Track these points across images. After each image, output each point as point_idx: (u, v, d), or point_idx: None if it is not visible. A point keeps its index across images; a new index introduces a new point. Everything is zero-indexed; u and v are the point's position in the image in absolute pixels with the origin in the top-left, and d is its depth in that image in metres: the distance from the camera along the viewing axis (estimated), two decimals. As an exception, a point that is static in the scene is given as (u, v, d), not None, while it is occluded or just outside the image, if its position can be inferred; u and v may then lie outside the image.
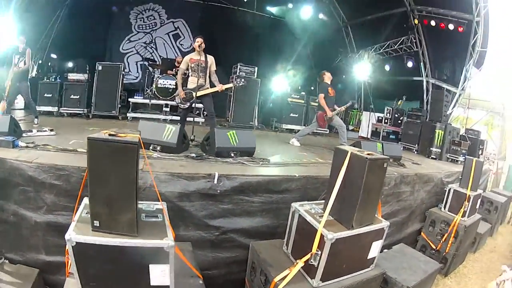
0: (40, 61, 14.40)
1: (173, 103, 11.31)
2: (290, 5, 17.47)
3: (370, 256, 4.64)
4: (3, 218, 4.77)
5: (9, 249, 4.85)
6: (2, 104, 5.65)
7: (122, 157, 3.33)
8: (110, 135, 3.39)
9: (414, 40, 14.61)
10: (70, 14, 16.59)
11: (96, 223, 3.44)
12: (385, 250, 6.48)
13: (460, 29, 12.65)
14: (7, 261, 4.80)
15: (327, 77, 10.09)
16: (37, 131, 7.30)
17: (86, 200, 3.88)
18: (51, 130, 7.43)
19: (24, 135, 6.77)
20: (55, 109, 11.37)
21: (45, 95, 11.34)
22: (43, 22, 15.22)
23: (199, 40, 7.78)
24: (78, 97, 11.39)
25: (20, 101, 11.32)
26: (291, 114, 14.10)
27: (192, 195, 5.08)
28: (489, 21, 12.39)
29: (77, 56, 13.43)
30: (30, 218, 4.77)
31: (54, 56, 15.12)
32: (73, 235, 3.30)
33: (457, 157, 11.81)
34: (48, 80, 11.63)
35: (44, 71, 12.99)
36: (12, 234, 4.85)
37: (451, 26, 12.84)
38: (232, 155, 6.59)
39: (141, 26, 18.51)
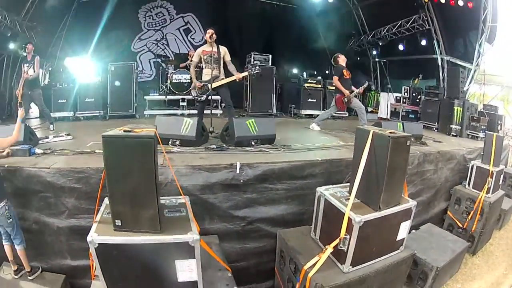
0: (50, 68, 14.46)
1: (190, 97, 11.33)
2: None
3: (399, 237, 4.55)
4: (25, 227, 4.75)
5: (34, 257, 4.84)
6: (21, 112, 5.64)
7: (139, 153, 3.28)
8: (125, 131, 3.34)
9: (426, 18, 14.36)
10: (78, 18, 16.64)
11: (118, 222, 3.42)
12: (413, 231, 6.42)
13: (470, 5, 12.42)
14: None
15: (342, 60, 9.97)
16: (54, 136, 7.30)
17: (106, 201, 3.86)
18: (68, 135, 7.44)
19: (40, 142, 6.78)
20: (70, 114, 11.39)
21: (59, 101, 11.36)
22: (51, 29, 15.29)
23: (210, 31, 7.68)
24: (93, 99, 11.43)
25: (35, 110, 11.43)
26: (309, 100, 13.95)
27: (214, 187, 5.04)
28: None
29: (88, 58, 13.43)
30: (52, 224, 4.78)
31: (65, 61, 15.19)
32: (95, 237, 3.28)
33: (477, 133, 11.56)
34: (61, 86, 11.64)
35: (56, 77, 13.04)
36: (36, 241, 4.85)
37: (460, 3, 12.57)
38: (253, 143, 6.55)
39: (150, 23, 18.50)
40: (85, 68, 12.55)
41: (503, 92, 18.48)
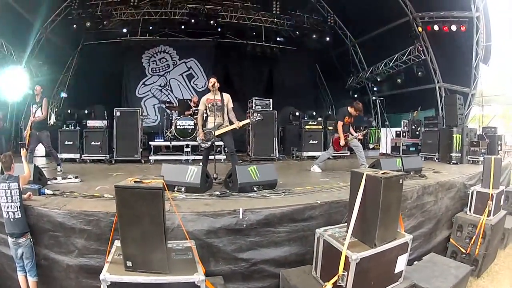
0: (56, 109, 14.72)
1: (194, 143, 11.51)
2: (297, 33, 17.52)
3: (397, 270, 4.69)
4: (35, 261, 4.95)
5: (43, 291, 5.02)
6: (23, 152, 5.87)
7: (148, 202, 3.55)
8: (135, 182, 3.62)
9: (421, 48, 14.66)
10: (83, 61, 17.04)
11: (129, 263, 3.65)
12: (416, 262, 6.49)
13: (463, 28, 12.77)
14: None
15: (352, 108, 9.96)
16: (62, 178, 7.51)
17: (117, 243, 4.09)
18: (76, 177, 7.63)
19: (49, 182, 7.01)
20: (77, 156, 11.68)
21: (66, 142, 11.70)
22: (57, 70, 15.64)
23: (212, 80, 7.90)
24: (99, 143, 11.65)
25: (40, 149, 11.60)
26: (310, 141, 14.04)
27: (219, 231, 5.17)
28: (489, 14, 12.69)
29: (93, 102, 13.75)
30: (62, 262, 4.94)
31: (69, 104, 15.51)
32: (107, 275, 3.52)
33: (477, 158, 11.76)
34: (67, 128, 12.00)
35: (62, 118, 13.29)
36: (45, 276, 5.03)
37: (453, 27, 12.94)
38: (255, 189, 6.64)
39: (154, 69, 18.95)
40: (90, 111, 12.78)
41: (503, 109, 18.58)
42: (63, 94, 16.51)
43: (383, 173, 4.38)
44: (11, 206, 4.77)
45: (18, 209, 4.78)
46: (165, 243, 3.65)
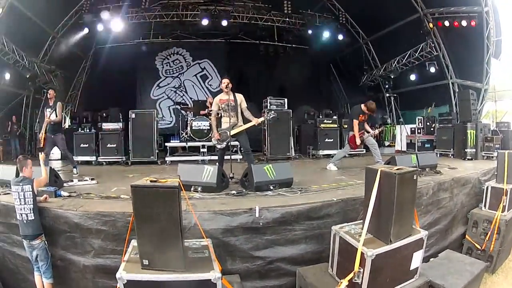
0: (70, 113, 14.85)
1: (210, 143, 11.43)
2: (309, 32, 17.50)
3: (412, 267, 4.68)
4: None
5: (59, 292, 5.08)
6: (42, 156, 5.94)
7: (165, 201, 3.59)
8: (151, 181, 3.67)
9: (433, 45, 14.66)
10: (96, 64, 17.22)
11: (146, 262, 3.69)
12: (431, 259, 6.45)
13: (473, 23, 12.76)
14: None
15: (365, 106, 9.96)
16: (78, 180, 7.60)
17: (134, 242, 4.13)
18: (92, 179, 7.71)
19: (65, 185, 7.08)
20: (93, 158, 11.80)
21: (81, 145, 11.82)
22: (70, 74, 15.78)
23: (225, 81, 7.92)
24: (114, 145, 11.78)
25: (55, 152, 11.72)
26: (326, 140, 13.94)
27: (236, 230, 5.19)
28: (498, 9, 12.65)
29: (108, 105, 13.78)
30: (78, 262, 5.00)
31: (84, 106, 15.63)
32: (123, 274, 3.57)
33: (491, 154, 11.62)
34: (82, 131, 12.11)
35: (77, 122, 13.41)
36: (61, 277, 5.09)
37: (464, 23, 12.94)
38: (271, 188, 6.66)
39: (168, 71, 19.10)
40: (105, 114, 12.85)
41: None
42: None
43: (397, 169, 4.39)
44: (24, 208, 4.82)
45: (31, 211, 4.82)
46: (181, 241, 3.68)
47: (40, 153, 6.47)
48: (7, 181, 5.96)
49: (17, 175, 5.27)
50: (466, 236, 7.99)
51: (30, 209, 4.82)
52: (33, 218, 4.82)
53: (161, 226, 3.65)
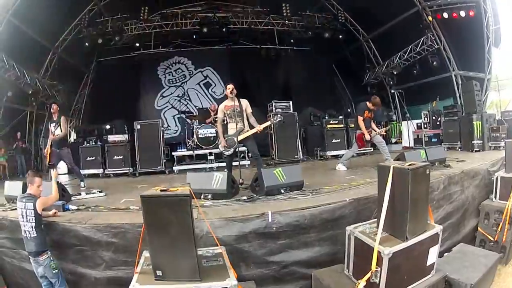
0: (75, 127, 14.88)
1: (217, 150, 11.40)
2: (309, 33, 17.37)
3: (429, 262, 4.64)
4: (62, 277, 5.01)
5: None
6: (54, 173, 5.92)
7: (176, 210, 3.54)
8: (161, 190, 3.61)
9: (433, 38, 14.59)
10: (98, 77, 17.27)
11: (159, 273, 3.64)
12: (446, 254, 6.40)
13: (471, 13, 12.75)
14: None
15: (370, 102, 9.91)
16: (86, 193, 7.58)
17: (146, 253, 4.08)
18: (100, 192, 7.69)
19: (73, 198, 7.06)
20: (100, 171, 11.82)
21: (88, 158, 11.86)
22: (73, 88, 15.82)
23: (230, 86, 7.89)
24: (121, 157, 11.79)
25: (62, 166, 11.60)
26: (333, 140, 13.95)
27: (249, 236, 5.15)
28: None
29: (113, 117, 13.89)
30: (89, 275, 4.98)
31: (89, 120, 15.68)
32: (137, 286, 3.53)
33: (498, 143, 11.63)
34: (88, 144, 12.18)
35: (82, 135, 13.43)
36: (73, 291, 5.05)
37: (462, 13, 12.93)
38: (282, 191, 6.60)
39: (171, 80, 19.13)
40: (110, 126, 12.89)
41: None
42: None
43: (409, 165, 4.34)
44: (26, 225, 4.81)
45: (33, 229, 4.79)
46: (195, 250, 3.63)
47: (52, 169, 6.45)
48: (15, 197, 5.90)
49: (24, 190, 5.25)
50: (479, 229, 7.92)
51: (32, 227, 4.80)
52: (35, 235, 4.79)
53: (173, 235, 3.60)
